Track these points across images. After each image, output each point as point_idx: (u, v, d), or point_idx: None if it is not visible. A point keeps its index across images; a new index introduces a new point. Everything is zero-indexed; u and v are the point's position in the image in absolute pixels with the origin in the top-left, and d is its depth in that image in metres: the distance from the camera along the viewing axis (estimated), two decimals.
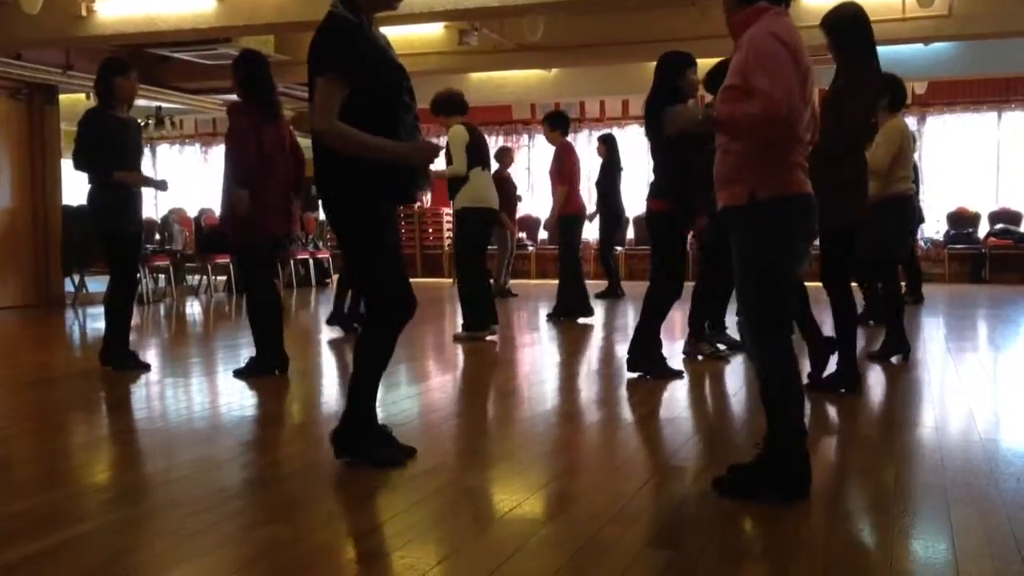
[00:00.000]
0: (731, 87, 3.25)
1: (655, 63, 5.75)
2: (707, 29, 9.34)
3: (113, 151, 6.12)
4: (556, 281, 9.51)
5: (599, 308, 10.53)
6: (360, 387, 3.71)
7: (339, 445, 3.72)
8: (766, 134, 3.18)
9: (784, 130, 3.16)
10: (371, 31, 3.61)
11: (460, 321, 7.91)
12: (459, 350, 7.45)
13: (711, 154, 3.43)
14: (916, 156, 12.28)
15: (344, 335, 8.10)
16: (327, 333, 8.27)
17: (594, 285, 11.73)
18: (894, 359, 6.23)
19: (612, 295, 11.52)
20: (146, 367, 6.35)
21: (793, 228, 3.27)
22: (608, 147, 11.36)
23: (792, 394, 3.25)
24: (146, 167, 17.26)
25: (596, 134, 15.54)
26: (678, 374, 5.77)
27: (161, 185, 6.61)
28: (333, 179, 3.58)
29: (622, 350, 7.00)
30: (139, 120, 14.24)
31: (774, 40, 3.18)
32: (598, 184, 11.49)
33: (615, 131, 13.72)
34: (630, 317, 9.96)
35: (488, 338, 7.73)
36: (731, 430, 4.63)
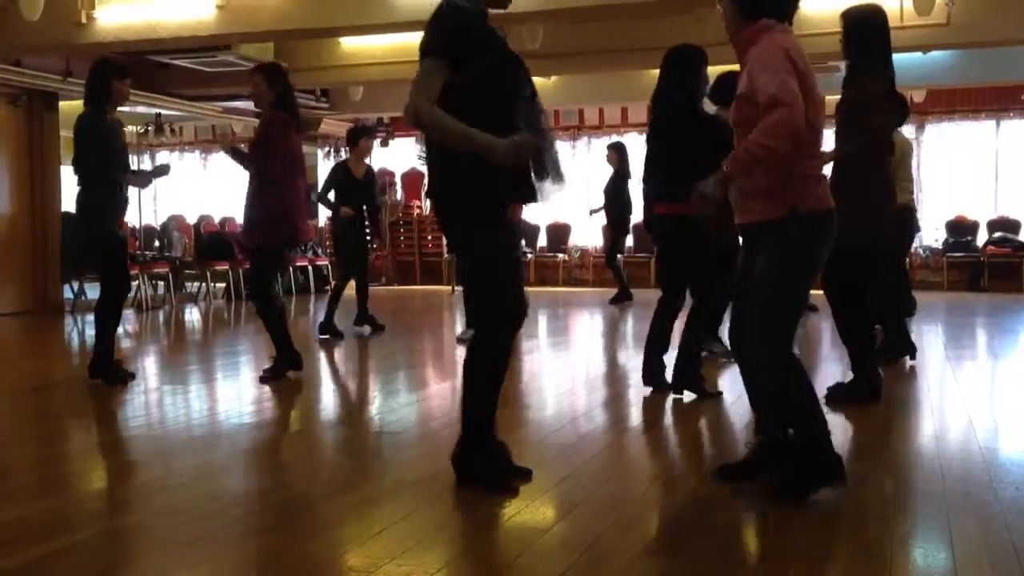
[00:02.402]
0: (741, 97, 3.32)
1: (658, 66, 5.59)
2: (706, 36, 9.34)
3: (116, 154, 6.04)
4: (562, 289, 9.69)
5: (610, 313, 10.52)
6: (472, 406, 3.50)
7: (457, 470, 3.55)
8: (784, 145, 3.13)
9: (797, 135, 3.16)
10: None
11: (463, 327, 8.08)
12: (457, 357, 7.43)
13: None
14: (915, 164, 12.32)
15: (339, 342, 8.15)
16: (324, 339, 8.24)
17: (600, 293, 11.76)
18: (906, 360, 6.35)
19: (625, 299, 11.59)
20: (130, 376, 6.16)
21: (824, 242, 3.36)
22: (619, 155, 11.45)
23: (798, 401, 3.36)
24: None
25: (595, 142, 15.59)
26: (717, 394, 5.43)
27: (163, 170, 6.46)
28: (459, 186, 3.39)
29: (622, 356, 7.04)
30: (137, 126, 14.35)
31: (779, 50, 3.22)
32: (606, 191, 11.55)
33: (614, 139, 13.71)
34: (631, 323, 9.95)
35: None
36: (731, 438, 4.63)
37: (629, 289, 11.78)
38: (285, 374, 6.08)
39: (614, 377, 6.35)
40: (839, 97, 5.06)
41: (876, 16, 5.01)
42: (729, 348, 6.83)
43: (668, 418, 5.09)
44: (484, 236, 3.41)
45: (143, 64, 11.49)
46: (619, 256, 11.88)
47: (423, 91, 3.23)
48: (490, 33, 3.42)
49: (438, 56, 3.27)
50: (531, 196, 3.48)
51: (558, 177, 3.45)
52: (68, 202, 11.76)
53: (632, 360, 7.29)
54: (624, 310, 11.06)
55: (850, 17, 4.98)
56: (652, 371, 5.47)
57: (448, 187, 3.44)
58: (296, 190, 6.05)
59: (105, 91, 5.92)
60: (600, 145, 15.54)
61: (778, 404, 3.41)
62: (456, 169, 3.36)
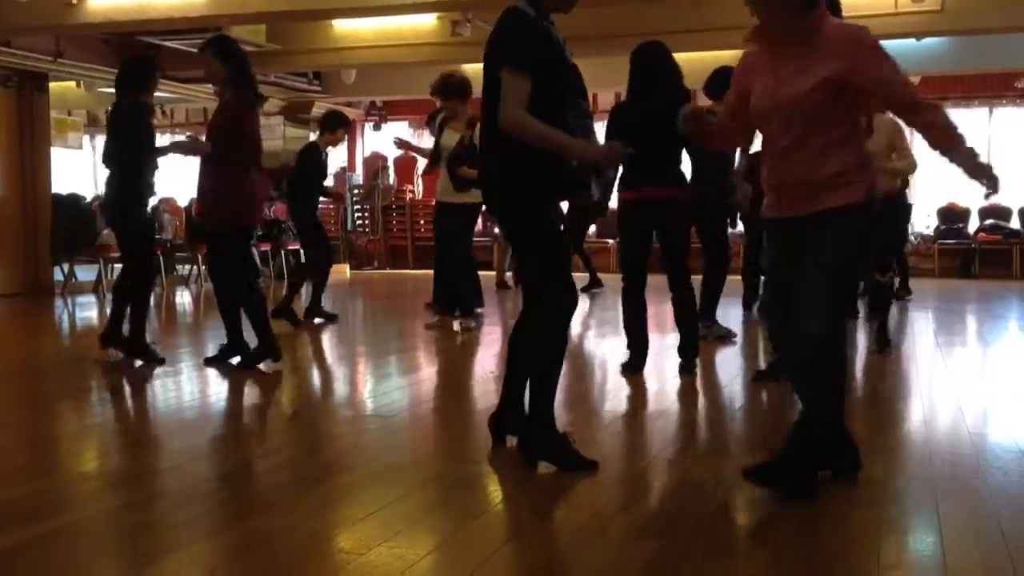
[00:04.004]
0: (829, 80, 3.13)
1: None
2: (702, 22, 9.33)
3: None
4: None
5: (600, 298, 10.50)
6: (543, 385, 3.61)
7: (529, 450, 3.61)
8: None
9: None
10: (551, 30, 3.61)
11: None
12: (450, 341, 7.44)
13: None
14: None
15: (331, 324, 8.15)
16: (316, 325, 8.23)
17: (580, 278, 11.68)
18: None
19: (595, 286, 11.27)
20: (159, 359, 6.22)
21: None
22: None
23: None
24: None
25: None
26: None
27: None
28: (506, 182, 3.61)
29: (609, 342, 7.03)
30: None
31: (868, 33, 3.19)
32: None
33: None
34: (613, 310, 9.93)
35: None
36: (723, 422, 4.64)
37: (597, 275, 11.20)
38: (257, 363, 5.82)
39: (606, 362, 6.35)
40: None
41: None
42: (725, 330, 7.04)
43: (660, 402, 5.10)
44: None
45: (134, 46, 11.43)
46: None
47: (509, 103, 3.48)
48: (550, 38, 3.62)
49: (514, 65, 3.49)
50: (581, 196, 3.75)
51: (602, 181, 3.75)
52: (58, 184, 11.74)
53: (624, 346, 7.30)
54: (597, 296, 10.84)
55: None
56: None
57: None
58: (259, 173, 5.86)
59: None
60: (596, 130, 15.45)
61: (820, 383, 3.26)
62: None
